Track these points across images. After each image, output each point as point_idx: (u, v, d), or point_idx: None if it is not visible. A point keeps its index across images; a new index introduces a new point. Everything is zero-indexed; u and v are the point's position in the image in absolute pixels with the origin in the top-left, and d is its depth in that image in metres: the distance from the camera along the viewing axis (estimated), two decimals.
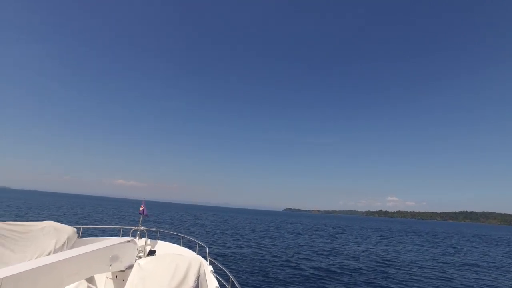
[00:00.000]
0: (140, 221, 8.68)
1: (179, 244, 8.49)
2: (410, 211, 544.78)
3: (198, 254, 7.25)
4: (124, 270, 6.32)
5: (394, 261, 20.06)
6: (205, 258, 6.40)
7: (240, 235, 30.47)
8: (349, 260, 19.39)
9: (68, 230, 6.22)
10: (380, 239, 39.19)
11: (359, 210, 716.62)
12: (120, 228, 8.99)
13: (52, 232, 5.73)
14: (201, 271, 4.37)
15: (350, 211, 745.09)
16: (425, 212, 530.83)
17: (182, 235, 8.50)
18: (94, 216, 40.90)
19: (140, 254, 7.78)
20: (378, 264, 18.71)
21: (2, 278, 2.85)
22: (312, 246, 25.92)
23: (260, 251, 20.28)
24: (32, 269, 3.30)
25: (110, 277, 6.20)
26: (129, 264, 6.75)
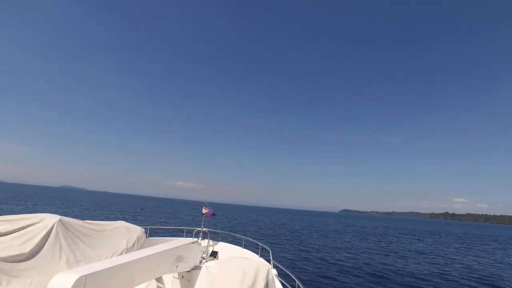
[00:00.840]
0: (203, 222, 8.83)
1: (240, 246, 8.44)
2: (483, 214, 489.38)
3: (260, 257, 7.11)
4: (189, 271, 6.42)
5: (495, 279, 16.39)
6: (268, 261, 6.25)
7: (300, 238, 29.80)
8: (432, 273, 16.64)
9: (137, 230, 6.51)
10: (462, 246, 35.09)
11: (421, 212, 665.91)
12: (184, 229, 9.26)
13: (124, 232, 6.02)
14: (270, 277, 4.19)
15: (412, 212, 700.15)
16: (502, 215, 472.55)
17: (243, 237, 8.48)
18: (158, 216, 43.52)
19: (203, 255, 7.86)
20: (476, 280, 15.62)
21: (86, 275, 3.00)
22: (381, 251, 24.03)
23: (324, 255, 19.42)
24: (111, 267, 3.43)
25: (177, 277, 6.33)
26: (194, 265, 6.84)
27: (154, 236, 8.18)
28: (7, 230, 3.88)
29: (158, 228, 9.84)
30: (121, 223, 6.20)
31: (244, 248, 8.34)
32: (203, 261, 7.96)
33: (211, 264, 4.35)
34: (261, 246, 7.52)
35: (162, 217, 42.85)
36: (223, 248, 8.66)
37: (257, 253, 7.71)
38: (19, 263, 3.71)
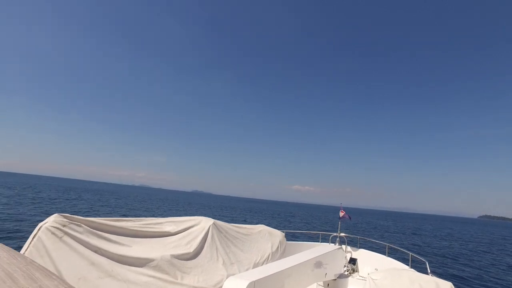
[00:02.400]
0: (339, 226, 8.39)
1: (383, 254, 7.61)
2: None
3: (411, 267, 6.20)
4: (335, 279, 6.01)
5: None
6: (425, 274, 5.29)
7: (443, 247, 25.81)
8: None
9: (279, 235, 6.47)
10: None
11: None
12: (319, 233, 8.93)
13: (267, 236, 6.04)
14: None
15: None
16: None
17: (387, 244, 7.60)
18: (288, 220, 44.66)
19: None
20: None
21: (255, 281, 3.03)
22: None
23: (482, 272, 16.11)
24: (272, 274, 3.36)
25: (322, 285, 6.00)
26: (339, 273, 6.40)
27: (289, 240, 8.10)
28: (175, 230, 4.22)
29: (293, 232, 9.73)
30: (263, 227, 6.26)
31: (388, 256, 7.50)
32: (344, 268, 7.46)
33: (378, 276, 3.82)
34: (412, 255, 6.55)
35: (293, 221, 43.74)
36: (363, 255, 8.02)
37: (406, 263, 6.79)
38: (187, 261, 3.96)
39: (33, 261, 1.35)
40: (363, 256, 7.97)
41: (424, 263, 5.85)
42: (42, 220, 3.05)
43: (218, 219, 5.12)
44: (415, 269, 5.96)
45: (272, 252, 5.72)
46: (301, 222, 43.59)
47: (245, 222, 31.35)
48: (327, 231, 9.60)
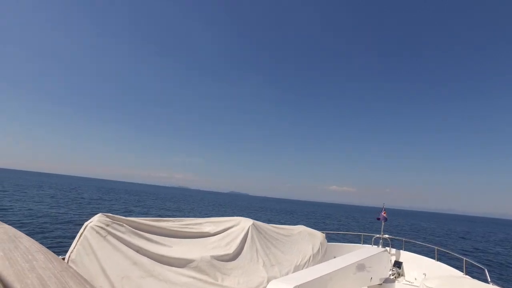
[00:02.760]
0: (382, 228, 7.96)
1: (432, 258, 7.08)
2: None
3: (466, 274, 5.70)
4: (381, 284, 5.66)
5: None
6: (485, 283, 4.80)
7: (499, 254, 23.77)
8: None
9: (319, 236, 6.23)
10: None
11: None
12: (361, 234, 8.52)
13: (308, 237, 5.83)
14: None
15: None
16: None
17: (436, 247, 7.06)
18: (323, 222, 43.76)
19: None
20: None
21: (299, 285, 2.95)
22: None
23: None
24: (316, 278, 3.19)
25: None
26: (385, 277, 6.03)
27: (329, 241, 7.81)
28: (214, 231, 4.17)
29: (333, 233, 9.34)
30: (303, 228, 6.06)
31: (437, 260, 6.96)
32: (389, 272, 7.03)
33: (433, 283, 3.50)
34: (466, 260, 6.00)
35: (323, 222, 42.87)
36: (409, 258, 7.52)
37: (460, 269, 6.25)
38: (227, 262, 3.89)
39: (69, 266, 1.32)
40: (409, 259, 7.49)
41: (482, 270, 5.34)
42: (87, 220, 3.13)
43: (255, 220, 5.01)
44: (470, 277, 5.46)
45: (313, 254, 5.51)
46: (338, 223, 42.48)
47: (282, 223, 31.16)
48: (367, 232, 9.15)
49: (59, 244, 11.90)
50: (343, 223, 41.98)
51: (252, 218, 4.94)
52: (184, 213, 33.95)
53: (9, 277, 1.25)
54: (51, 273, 1.22)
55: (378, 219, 8.35)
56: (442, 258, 7.23)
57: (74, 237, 2.99)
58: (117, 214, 3.38)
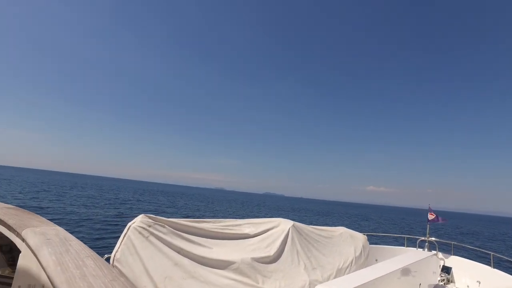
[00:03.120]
0: (428, 230, 7.47)
1: (487, 265, 6.51)
2: None
3: None
4: None
5: None
6: None
7: None
8: None
9: (361, 238, 5.93)
10: None
11: None
12: (404, 237, 8.05)
13: (349, 239, 5.56)
14: None
15: None
16: None
17: (492, 253, 6.46)
18: (358, 223, 42.41)
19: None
20: None
21: None
22: None
23: None
24: (363, 284, 2.99)
25: None
26: (434, 284, 5.61)
27: (371, 243, 7.45)
28: (254, 232, 4.07)
29: (375, 235, 8.90)
30: (344, 229, 5.80)
31: (493, 268, 6.36)
32: (438, 278, 6.55)
33: None
34: None
35: (357, 224, 41.51)
36: (459, 264, 6.97)
37: None
38: (268, 265, 3.79)
39: (119, 274, 1.32)
40: (459, 264, 6.94)
41: None
42: (129, 220, 3.18)
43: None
44: None
45: (355, 257, 5.25)
46: (378, 224, 40.84)
47: (320, 225, 30.38)
48: (410, 234, 8.62)
49: (103, 243, 12.53)
50: (382, 225, 40.28)
51: (290, 219, 4.80)
52: (220, 213, 34.43)
53: (62, 285, 1.24)
54: (102, 282, 1.21)
55: (433, 221, 7.82)
56: (499, 265, 6.62)
57: (116, 237, 3.06)
58: (156, 215, 3.41)
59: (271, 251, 3.92)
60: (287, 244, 4.19)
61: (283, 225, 4.41)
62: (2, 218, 2.29)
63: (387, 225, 40.78)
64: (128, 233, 3.00)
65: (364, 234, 6.34)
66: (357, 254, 5.36)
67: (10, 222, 2.14)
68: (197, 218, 3.95)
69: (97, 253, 1.66)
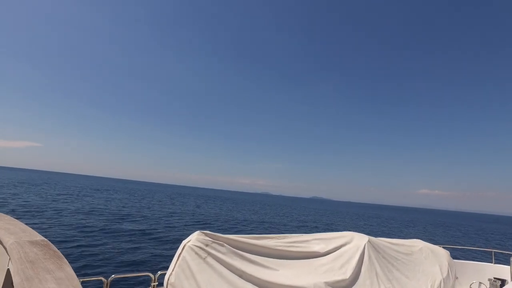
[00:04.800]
0: None
1: None
2: None
3: None
4: None
5: None
6: None
7: None
8: None
9: (443, 253, 5.00)
10: None
11: None
12: (492, 251, 6.80)
13: (431, 256, 4.68)
14: None
15: None
16: None
17: None
18: (404, 229, 39.19)
19: None
20: None
21: None
22: None
23: None
24: None
25: None
26: None
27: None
28: (325, 250, 3.47)
29: (455, 247, 7.66)
30: (421, 243, 4.92)
31: None
32: None
33: None
34: None
35: (427, 232, 38.00)
36: None
37: None
38: None
39: None
40: None
41: None
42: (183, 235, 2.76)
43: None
44: None
45: (443, 278, 4.37)
46: (445, 234, 37.25)
47: (386, 235, 27.85)
48: (498, 249, 7.25)
49: (152, 260, 10.51)
50: (449, 234, 36.11)
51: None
52: (271, 217, 33.64)
53: None
54: None
55: None
56: None
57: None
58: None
59: (347, 273, 3.28)
60: (363, 264, 3.51)
61: (357, 240, 3.74)
62: None
63: (453, 234, 36.77)
64: (183, 253, 2.61)
65: (441, 246, 5.38)
66: (444, 274, 4.47)
67: None
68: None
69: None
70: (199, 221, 23.23)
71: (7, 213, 2.85)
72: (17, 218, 2.42)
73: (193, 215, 27.27)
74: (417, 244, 4.89)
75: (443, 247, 5.50)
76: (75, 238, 12.45)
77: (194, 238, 2.68)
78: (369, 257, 3.61)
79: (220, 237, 2.86)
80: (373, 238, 3.97)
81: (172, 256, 2.71)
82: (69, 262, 1.47)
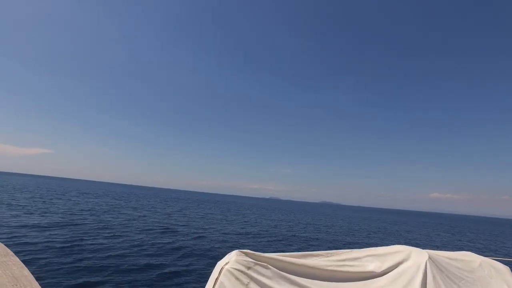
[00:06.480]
0: None
1: None
2: None
3: None
4: None
5: None
6: None
7: None
8: None
9: (505, 271, 4.32)
10: None
11: None
12: None
13: (494, 273, 4.03)
14: None
15: None
16: None
17: None
18: (406, 233, 37.74)
19: None
20: None
21: None
22: None
23: None
24: None
25: None
26: None
27: None
28: (381, 269, 2.89)
29: (502, 259, 6.89)
30: (479, 258, 4.27)
31: None
32: None
33: None
34: None
35: (455, 238, 36.71)
36: None
37: None
38: None
39: None
40: None
41: None
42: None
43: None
44: None
45: None
46: (471, 241, 35.76)
47: (382, 239, 25.54)
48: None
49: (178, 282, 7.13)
50: (476, 242, 33.16)
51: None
52: (285, 221, 32.77)
53: None
54: None
55: None
56: None
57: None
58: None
59: None
60: (428, 286, 2.92)
61: (416, 257, 3.14)
62: None
63: (477, 241, 34.67)
64: (220, 278, 2.06)
65: (492, 259, 4.72)
66: None
67: None
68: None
69: None
70: (247, 234, 19.97)
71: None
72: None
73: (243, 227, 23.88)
74: (472, 258, 4.24)
75: (494, 259, 4.85)
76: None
77: (233, 260, 2.14)
78: (434, 277, 3.01)
79: (263, 257, 2.32)
80: (432, 253, 3.37)
81: (204, 275, 2.17)
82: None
